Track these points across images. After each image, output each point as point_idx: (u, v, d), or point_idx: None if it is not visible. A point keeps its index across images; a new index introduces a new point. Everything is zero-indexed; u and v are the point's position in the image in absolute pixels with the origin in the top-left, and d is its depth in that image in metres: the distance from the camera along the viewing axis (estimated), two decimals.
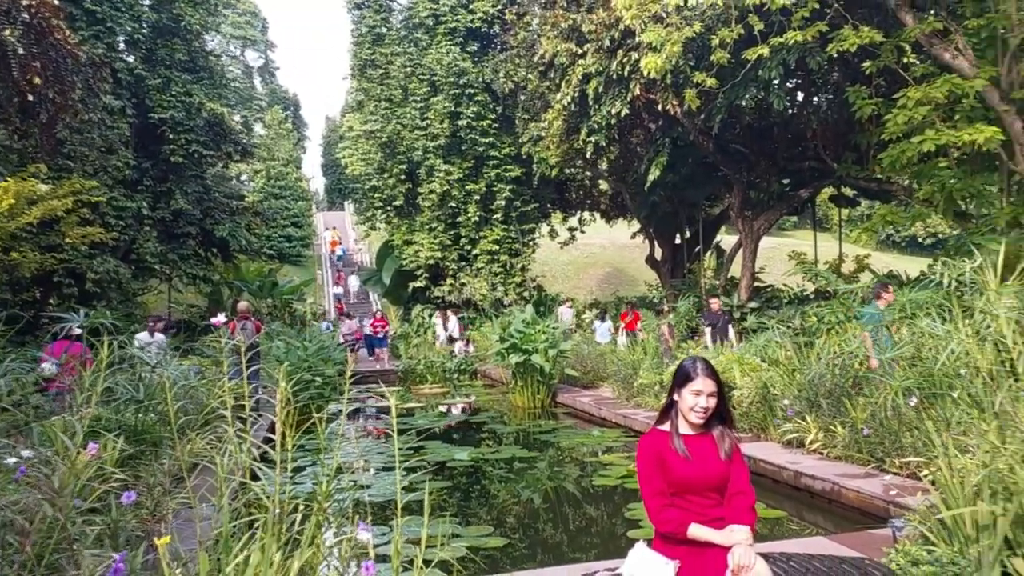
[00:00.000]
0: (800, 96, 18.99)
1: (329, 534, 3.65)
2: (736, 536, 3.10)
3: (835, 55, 13.06)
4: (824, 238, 37.09)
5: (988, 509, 3.83)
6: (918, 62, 13.15)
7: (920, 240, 56.66)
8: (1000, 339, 4.32)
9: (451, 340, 24.06)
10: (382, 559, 4.84)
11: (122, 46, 24.57)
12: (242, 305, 13.31)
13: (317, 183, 76.26)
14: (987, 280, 5.24)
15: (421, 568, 3.06)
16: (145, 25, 24.37)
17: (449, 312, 25.40)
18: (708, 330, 13.99)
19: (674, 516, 3.19)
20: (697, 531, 3.15)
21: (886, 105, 13.05)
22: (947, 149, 12.82)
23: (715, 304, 14.50)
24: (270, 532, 3.17)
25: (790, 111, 17.72)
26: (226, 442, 3.70)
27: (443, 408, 15.45)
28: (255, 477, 3.67)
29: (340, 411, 3.86)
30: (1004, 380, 4.56)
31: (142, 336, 11.94)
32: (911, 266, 25.07)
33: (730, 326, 14.29)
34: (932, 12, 13.30)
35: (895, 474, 6.76)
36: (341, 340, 20.00)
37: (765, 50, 13.20)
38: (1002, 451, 4.09)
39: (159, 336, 12.27)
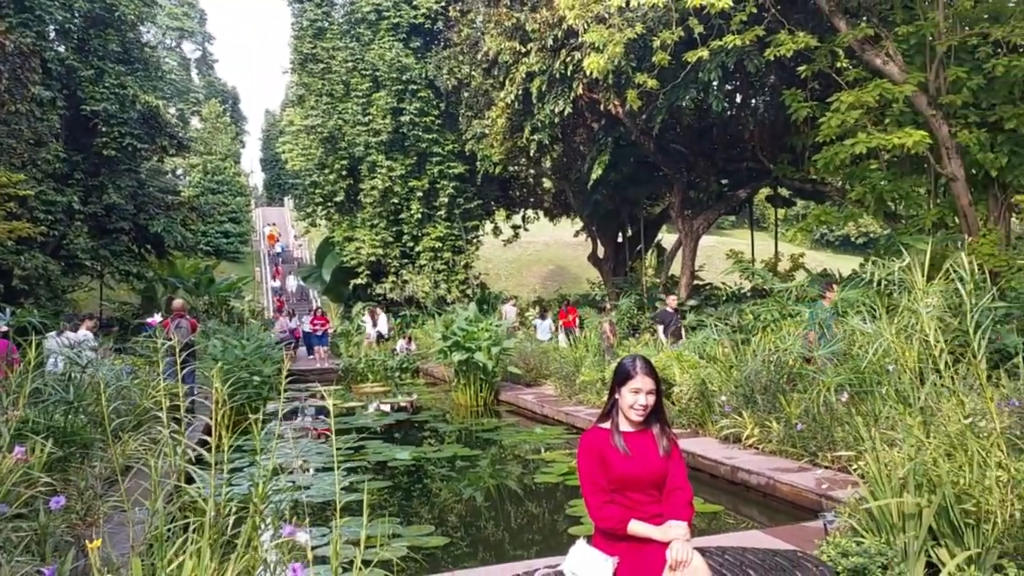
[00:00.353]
0: (738, 98, 19.40)
1: (267, 536, 3.59)
2: (673, 532, 3.15)
3: (772, 59, 13.37)
4: (761, 237, 37.96)
5: (913, 501, 3.98)
6: (851, 67, 13.56)
7: (852, 239, 58.43)
8: (924, 337, 4.49)
9: (381, 338, 23.75)
10: (321, 560, 4.79)
11: (52, 35, 23.74)
12: (177, 303, 12.99)
13: (256, 178, 74.91)
14: (914, 279, 5.44)
15: (360, 568, 3.03)
16: (77, 14, 23.57)
17: (378, 309, 25.01)
18: (660, 328, 14.14)
19: (614, 513, 3.22)
20: (637, 528, 3.19)
21: (820, 108, 13.42)
22: (878, 152, 13.25)
23: (672, 302, 14.67)
24: (206, 535, 3.11)
25: (729, 113, 18.10)
26: (160, 444, 3.62)
27: (384, 407, 15.33)
28: (191, 480, 3.60)
29: (278, 411, 3.80)
30: (929, 376, 4.74)
31: (51, 337, 11.28)
32: (844, 265, 25.83)
33: (682, 327, 14.49)
34: (864, 18, 13.72)
35: (827, 468, 6.96)
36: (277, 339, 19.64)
37: (705, 53, 13.45)
38: (926, 445, 4.25)
39: (86, 334, 11.88)
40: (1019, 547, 3.80)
